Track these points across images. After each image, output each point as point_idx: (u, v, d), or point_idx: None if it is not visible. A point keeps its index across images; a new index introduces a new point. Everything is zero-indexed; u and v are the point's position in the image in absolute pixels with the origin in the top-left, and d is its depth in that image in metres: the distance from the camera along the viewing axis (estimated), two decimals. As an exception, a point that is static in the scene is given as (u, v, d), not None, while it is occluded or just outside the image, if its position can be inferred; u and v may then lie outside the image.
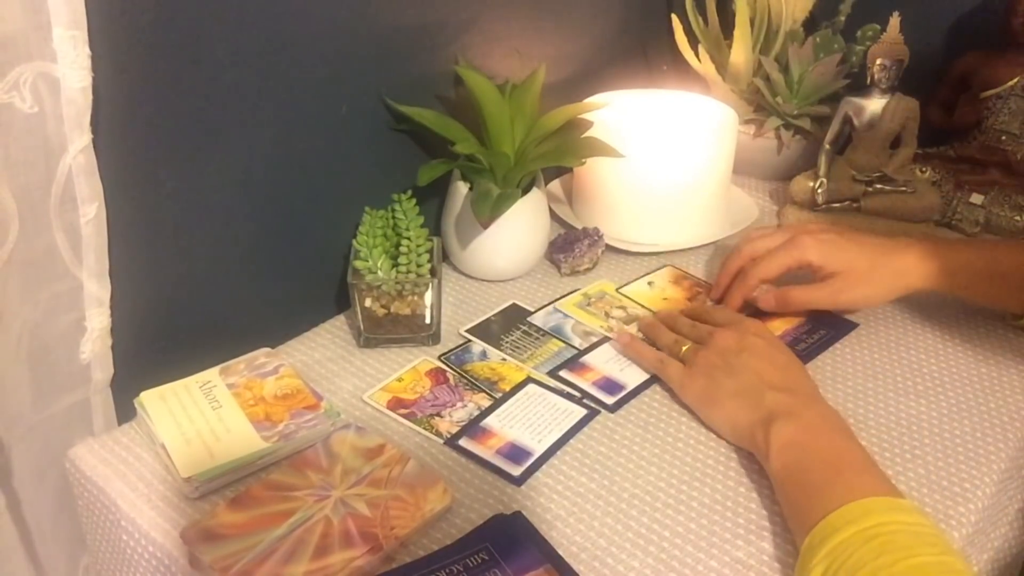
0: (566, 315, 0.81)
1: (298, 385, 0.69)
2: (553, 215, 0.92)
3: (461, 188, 0.82)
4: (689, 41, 1.06)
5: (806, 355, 0.75)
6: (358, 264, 0.74)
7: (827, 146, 0.96)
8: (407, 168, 0.80)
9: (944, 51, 1.10)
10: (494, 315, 0.81)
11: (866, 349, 0.77)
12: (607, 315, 0.81)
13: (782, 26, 1.04)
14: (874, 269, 0.74)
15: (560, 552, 0.56)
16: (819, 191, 0.95)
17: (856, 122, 0.94)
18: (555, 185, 1.02)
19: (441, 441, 0.66)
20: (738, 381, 0.65)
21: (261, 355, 0.72)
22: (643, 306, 0.83)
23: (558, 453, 0.65)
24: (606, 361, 0.75)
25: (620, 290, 0.86)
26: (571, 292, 0.84)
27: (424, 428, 0.67)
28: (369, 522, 0.56)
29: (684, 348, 0.71)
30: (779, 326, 0.79)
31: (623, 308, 0.83)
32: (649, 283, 0.87)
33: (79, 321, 0.63)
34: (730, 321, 0.73)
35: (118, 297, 0.64)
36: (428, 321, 0.75)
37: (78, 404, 0.66)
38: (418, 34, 0.80)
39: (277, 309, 0.78)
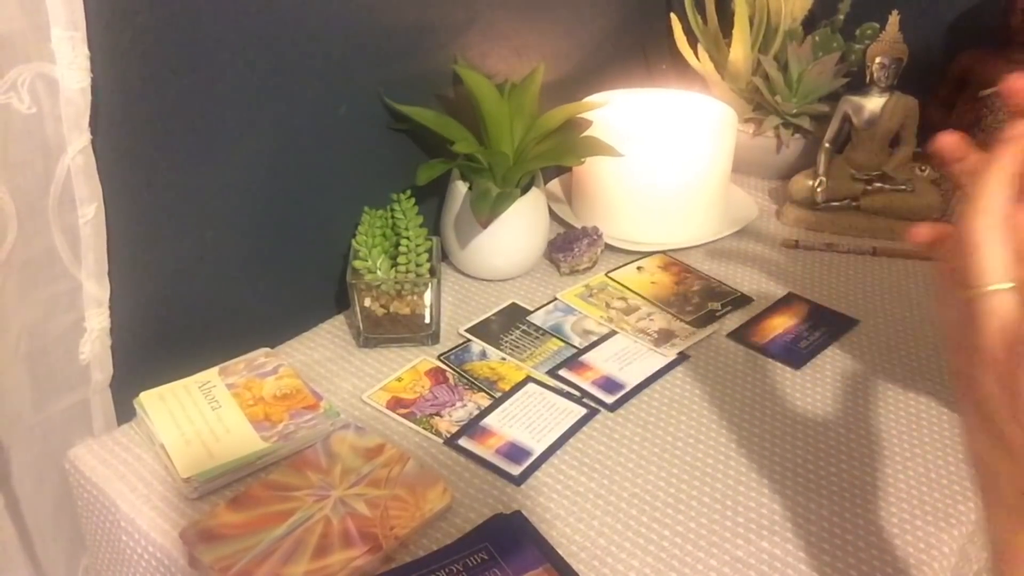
0: (567, 307, 0.81)
1: (297, 385, 0.69)
2: (552, 214, 0.92)
3: (460, 187, 0.82)
4: (688, 40, 1.06)
5: (807, 353, 0.75)
6: (357, 264, 0.74)
7: (826, 145, 0.96)
8: (406, 168, 0.80)
9: (943, 50, 1.10)
10: (493, 314, 0.81)
11: (867, 346, 0.77)
12: (608, 306, 0.82)
13: (781, 25, 1.04)
14: None
15: (560, 551, 0.56)
16: (818, 190, 0.95)
17: (855, 121, 0.94)
18: (554, 184, 1.02)
19: (441, 441, 0.66)
20: (1000, 461, 0.39)
21: (260, 355, 0.72)
22: (631, 290, 0.84)
23: (558, 452, 0.65)
24: (606, 360, 0.75)
25: (609, 274, 0.87)
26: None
27: (424, 428, 0.67)
28: (369, 522, 0.56)
29: (988, 288, 0.38)
30: (780, 323, 0.79)
31: (624, 299, 0.83)
32: (638, 268, 0.88)
33: (78, 322, 0.63)
34: None
35: (117, 297, 0.64)
36: (427, 321, 0.75)
37: (77, 405, 0.66)
38: (417, 33, 0.80)
39: (276, 309, 0.78)
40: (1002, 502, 0.39)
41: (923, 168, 1.00)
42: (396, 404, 0.69)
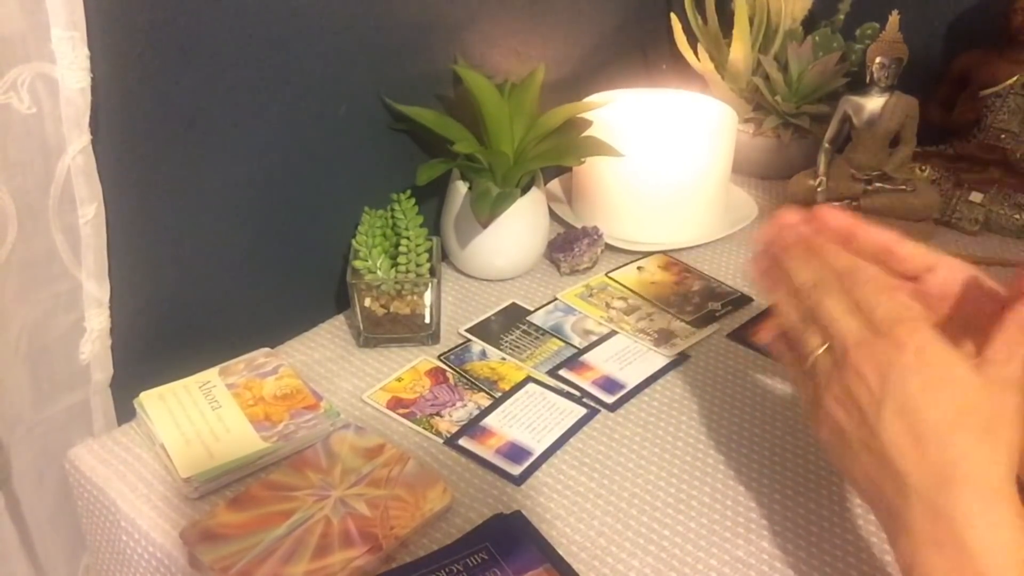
0: (567, 308, 0.81)
1: (297, 385, 0.69)
2: (552, 214, 0.92)
3: (460, 187, 0.82)
4: (688, 40, 1.06)
5: (806, 354, 0.75)
6: (357, 264, 0.74)
7: (826, 145, 0.96)
8: (406, 168, 0.80)
9: (943, 49, 1.10)
10: (494, 314, 0.81)
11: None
12: (608, 306, 0.82)
13: (781, 24, 1.04)
14: None
15: (560, 551, 0.56)
16: (818, 190, 0.95)
17: (855, 121, 0.94)
18: (554, 184, 1.02)
19: (441, 441, 0.66)
20: (866, 465, 0.47)
21: (260, 355, 0.72)
22: (631, 290, 0.84)
23: (558, 452, 0.65)
24: (606, 360, 0.75)
25: (609, 274, 0.87)
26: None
27: (424, 428, 0.67)
28: (369, 522, 0.56)
29: (814, 355, 0.49)
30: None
31: (624, 299, 0.83)
32: (638, 268, 0.88)
33: (78, 322, 0.63)
34: (881, 313, 0.46)
35: (117, 298, 0.64)
36: (427, 321, 0.75)
37: (77, 405, 0.66)
38: (417, 33, 0.80)
39: (276, 309, 0.78)
40: (891, 499, 0.45)
41: (923, 168, 1.00)
42: (396, 404, 0.69)
